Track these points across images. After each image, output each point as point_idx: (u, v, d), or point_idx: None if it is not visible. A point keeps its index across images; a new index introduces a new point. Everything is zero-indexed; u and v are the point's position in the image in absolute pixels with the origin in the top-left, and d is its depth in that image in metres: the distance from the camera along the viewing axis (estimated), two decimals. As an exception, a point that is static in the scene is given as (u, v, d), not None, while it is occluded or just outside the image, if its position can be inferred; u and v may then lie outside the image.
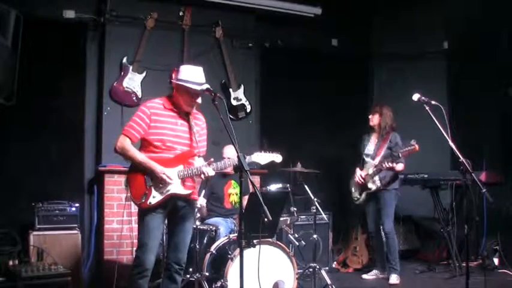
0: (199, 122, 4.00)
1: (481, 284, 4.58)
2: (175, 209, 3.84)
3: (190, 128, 3.88)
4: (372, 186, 5.66)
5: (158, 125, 3.77)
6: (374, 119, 5.80)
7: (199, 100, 3.87)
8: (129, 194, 3.77)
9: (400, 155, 5.35)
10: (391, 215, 5.66)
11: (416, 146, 5.23)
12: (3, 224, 5.02)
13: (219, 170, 3.88)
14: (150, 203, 3.69)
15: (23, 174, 5.46)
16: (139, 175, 3.73)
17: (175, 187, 3.76)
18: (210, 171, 3.78)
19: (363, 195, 5.77)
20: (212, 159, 3.85)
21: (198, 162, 3.91)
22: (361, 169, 5.78)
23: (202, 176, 3.82)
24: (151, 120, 3.76)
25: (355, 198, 5.88)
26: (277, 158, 4.04)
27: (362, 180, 5.72)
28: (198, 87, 3.75)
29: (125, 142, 3.74)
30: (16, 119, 5.43)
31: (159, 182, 3.71)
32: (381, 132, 5.74)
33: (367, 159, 5.77)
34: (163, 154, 3.76)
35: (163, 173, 3.68)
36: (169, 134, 3.79)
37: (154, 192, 3.70)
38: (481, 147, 7.00)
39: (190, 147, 3.86)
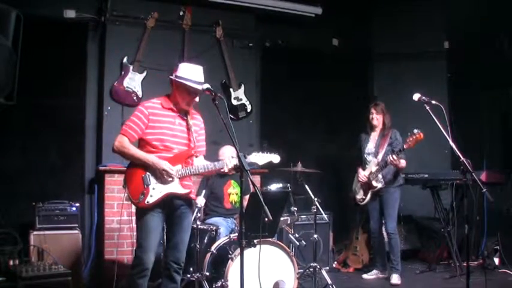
0: (198, 122, 3.99)
1: (481, 283, 4.57)
2: (174, 208, 3.83)
3: (188, 127, 3.87)
4: (376, 184, 5.63)
5: (156, 125, 3.77)
6: (379, 118, 5.76)
7: (197, 99, 3.86)
8: (126, 194, 3.77)
9: (404, 147, 5.28)
10: (394, 215, 5.66)
11: (421, 134, 5.10)
12: (3, 224, 5.01)
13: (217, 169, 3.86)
14: (147, 202, 3.69)
15: (23, 174, 5.46)
16: (138, 173, 3.73)
17: (174, 186, 3.76)
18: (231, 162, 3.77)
19: (369, 195, 5.73)
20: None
21: (198, 161, 3.90)
22: (363, 169, 5.78)
23: (226, 168, 3.77)
24: (149, 120, 3.76)
25: (361, 200, 5.83)
26: (275, 158, 3.98)
27: (366, 180, 5.70)
28: (198, 86, 3.75)
29: (123, 141, 3.73)
30: (16, 119, 5.42)
31: (160, 176, 3.70)
32: (384, 130, 5.73)
33: (369, 157, 5.76)
34: (161, 154, 3.75)
35: (166, 165, 3.67)
36: (167, 134, 3.78)
37: (152, 191, 3.70)
38: (482, 147, 7.01)
39: (188, 146, 3.85)
